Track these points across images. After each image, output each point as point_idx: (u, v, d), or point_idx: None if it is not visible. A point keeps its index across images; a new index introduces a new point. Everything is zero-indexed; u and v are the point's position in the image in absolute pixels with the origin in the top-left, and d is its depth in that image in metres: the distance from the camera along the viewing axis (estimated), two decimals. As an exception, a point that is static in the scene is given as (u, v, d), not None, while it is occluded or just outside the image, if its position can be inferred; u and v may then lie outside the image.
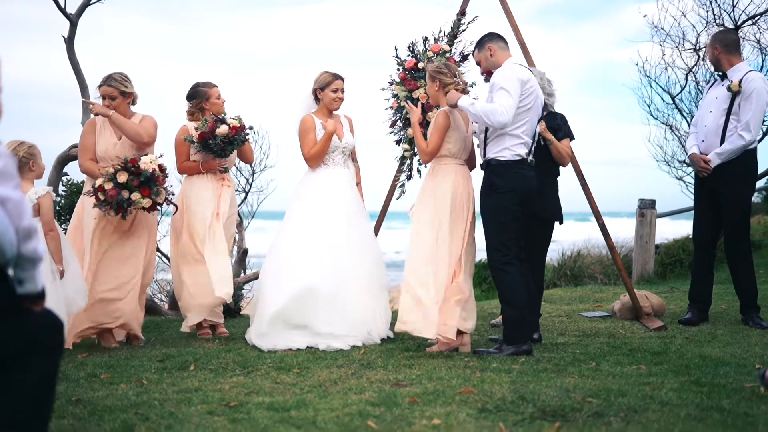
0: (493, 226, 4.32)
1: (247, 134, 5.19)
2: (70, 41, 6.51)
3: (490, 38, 4.55)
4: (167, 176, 4.78)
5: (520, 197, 4.30)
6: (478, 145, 4.60)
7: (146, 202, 4.65)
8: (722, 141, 5.12)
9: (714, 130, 5.16)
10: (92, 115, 5.03)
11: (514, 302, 4.26)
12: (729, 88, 5.07)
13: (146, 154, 4.80)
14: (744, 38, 8.74)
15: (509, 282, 4.27)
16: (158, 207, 4.82)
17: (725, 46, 5.21)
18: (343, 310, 4.64)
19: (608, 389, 3.32)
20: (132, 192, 4.61)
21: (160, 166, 4.71)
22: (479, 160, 4.57)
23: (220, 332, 5.25)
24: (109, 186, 4.59)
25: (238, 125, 5.09)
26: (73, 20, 6.50)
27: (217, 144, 5.06)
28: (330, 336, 4.56)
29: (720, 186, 5.14)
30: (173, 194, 4.91)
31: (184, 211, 5.14)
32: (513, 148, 4.30)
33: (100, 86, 4.84)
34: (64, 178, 7.12)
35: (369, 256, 4.88)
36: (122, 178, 4.59)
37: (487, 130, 4.39)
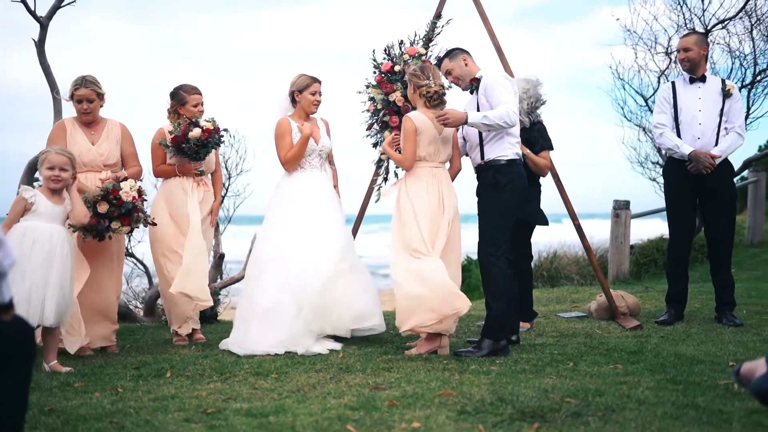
0: (494, 222, 4.37)
1: (222, 137, 5.14)
2: (40, 44, 6.39)
3: (462, 51, 4.64)
4: (146, 200, 4.68)
5: (521, 195, 4.44)
6: (468, 149, 4.60)
7: (125, 230, 4.59)
8: (716, 140, 5.27)
9: (712, 129, 5.28)
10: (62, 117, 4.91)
11: (502, 297, 4.33)
12: (726, 91, 5.27)
13: (126, 179, 4.61)
14: (714, 42, 8.89)
15: (500, 276, 4.34)
16: (137, 227, 4.74)
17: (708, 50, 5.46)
18: (332, 311, 4.62)
19: (586, 389, 3.35)
20: (112, 221, 4.51)
21: (139, 190, 4.59)
22: (472, 163, 4.57)
23: (196, 338, 5.19)
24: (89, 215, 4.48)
25: (212, 128, 5.03)
26: (44, 23, 6.39)
27: (191, 147, 5.00)
28: (313, 337, 4.54)
29: (716, 182, 5.27)
30: (148, 215, 4.79)
31: (162, 214, 5.07)
32: (513, 147, 4.41)
33: (76, 89, 4.70)
34: (35, 184, 6.98)
35: (350, 257, 4.87)
36: (102, 208, 4.46)
37: (480, 132, 4.41)
